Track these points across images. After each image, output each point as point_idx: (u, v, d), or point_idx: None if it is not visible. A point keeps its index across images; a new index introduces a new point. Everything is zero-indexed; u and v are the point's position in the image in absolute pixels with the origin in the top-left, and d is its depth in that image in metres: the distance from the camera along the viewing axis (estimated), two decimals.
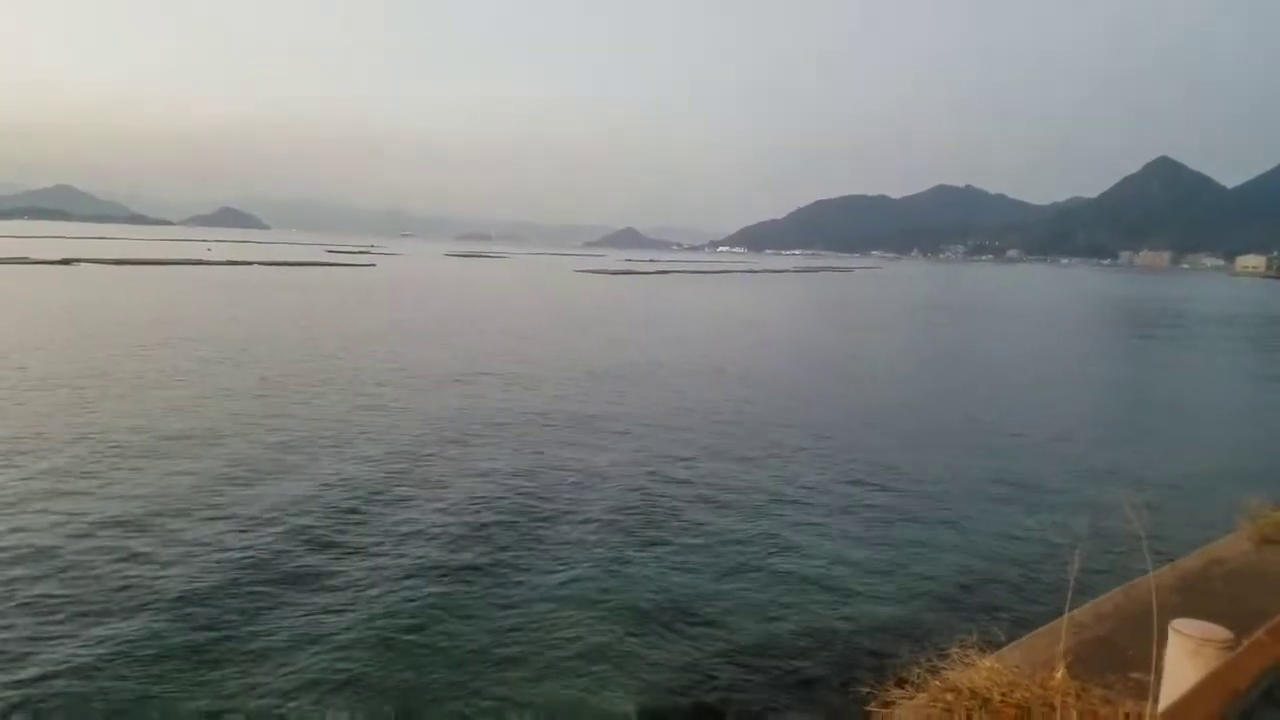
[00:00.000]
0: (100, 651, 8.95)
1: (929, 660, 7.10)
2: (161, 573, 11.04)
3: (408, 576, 11.30)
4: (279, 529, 12.83)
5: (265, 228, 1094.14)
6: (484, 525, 13.47)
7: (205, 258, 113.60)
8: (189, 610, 10.01)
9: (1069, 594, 6.98)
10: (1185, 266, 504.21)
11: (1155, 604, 5.59)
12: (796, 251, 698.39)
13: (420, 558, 11.98)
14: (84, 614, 9.80)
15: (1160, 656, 5.38)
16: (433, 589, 10.95)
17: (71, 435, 17.87)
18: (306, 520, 13.30)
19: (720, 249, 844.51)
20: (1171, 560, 9.82)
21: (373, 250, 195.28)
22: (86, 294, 55.53)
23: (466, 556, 12.12)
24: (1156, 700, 5.43)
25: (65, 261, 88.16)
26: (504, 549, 12.50)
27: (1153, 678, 5.39)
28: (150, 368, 26.64)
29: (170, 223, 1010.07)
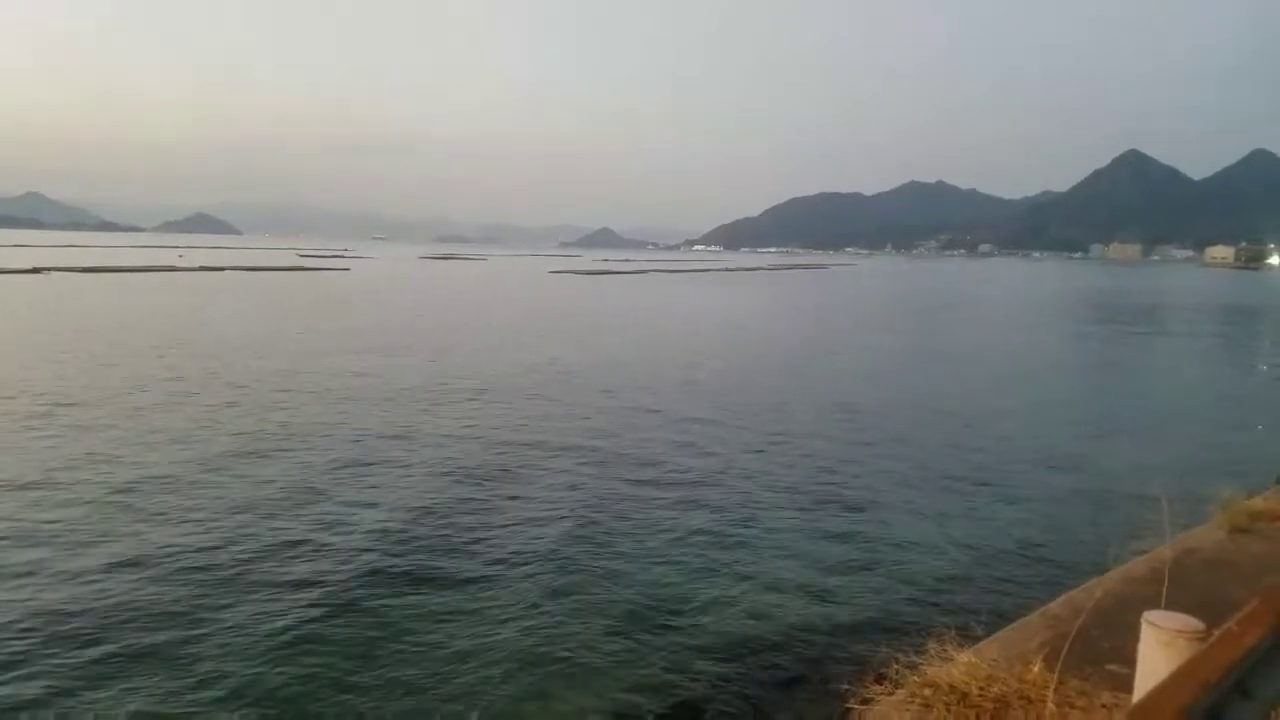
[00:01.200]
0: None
1: (907, 656, 7.10)
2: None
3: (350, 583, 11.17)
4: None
5: (238, 233, 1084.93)
6: (428, 518, 13.37)
7: (177, 264, 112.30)
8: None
9: (1070, 586, 7.00)
10: (1155, 258, 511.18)
11: (1132, 595, 5.61)
12: (772, 249, 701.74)
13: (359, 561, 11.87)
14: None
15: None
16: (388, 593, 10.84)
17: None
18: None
19: (696, 247, 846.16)
20: (1145, 551, 9.89)
21: (347, 254, 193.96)
22: (60, 302, 54.68)
23: (418, 556, 12.02)
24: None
25: (35, 270, 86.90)
26: (459, 549, 12.39)
27: (1137, 669, 5.41)
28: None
29: (142, 229, 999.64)
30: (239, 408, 22.16)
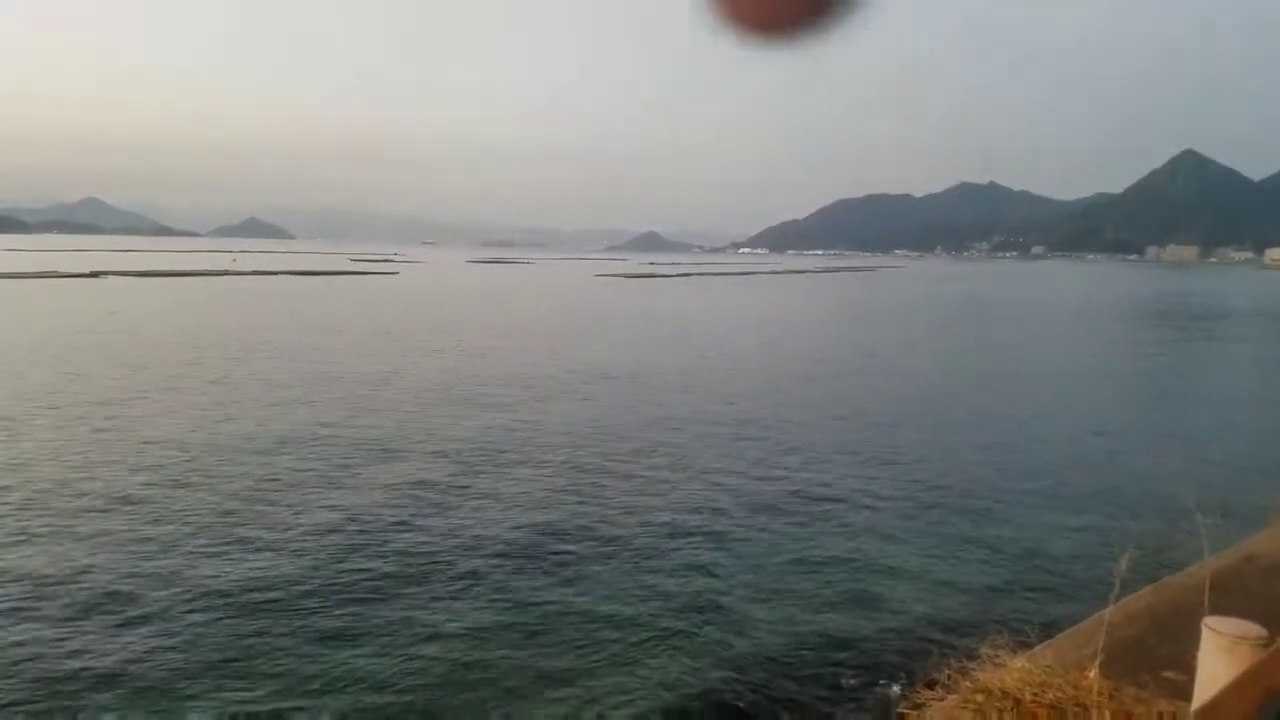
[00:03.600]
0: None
1: (959, 661, 7.09)
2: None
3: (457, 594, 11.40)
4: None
5: (290, 237, 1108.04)
6: (506, 525, 13.58)
7: (231, 268, 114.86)
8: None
9: (1110, 593, 6.94)
10: (1213, 261, 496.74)
11: (1189, 602, 5.56)
12: (819, 251, 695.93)
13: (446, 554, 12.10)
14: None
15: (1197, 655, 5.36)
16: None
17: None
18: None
19: (742, 250, 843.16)
20: (1203, 558, 9.72)
21: (395, 258, 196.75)
22: (114, 304, 56.41)
23: (475, 558, 12.23)
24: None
25: (93, 274, 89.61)
26: (518, 551, 12.59)
27: (1197, 675, 5.36)
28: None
29: (197, 234, 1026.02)
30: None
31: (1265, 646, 4.57)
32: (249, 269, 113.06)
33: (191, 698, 8.49)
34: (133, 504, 14.37)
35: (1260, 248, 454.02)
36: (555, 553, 12.68)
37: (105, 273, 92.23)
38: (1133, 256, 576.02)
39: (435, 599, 10.89)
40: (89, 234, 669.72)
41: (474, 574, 11.72)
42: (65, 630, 9.72)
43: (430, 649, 9.55)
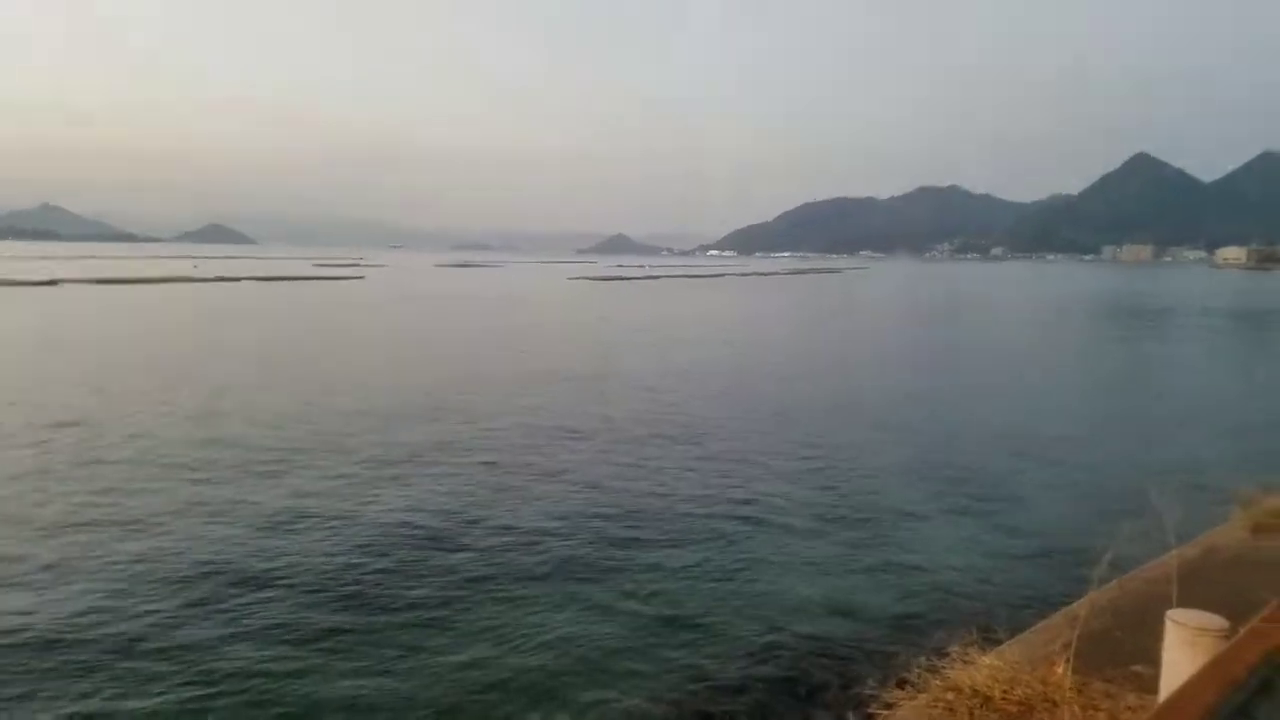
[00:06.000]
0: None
1: (930, 660, 7.12)
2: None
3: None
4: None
5: (252, 242, 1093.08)
6: (455, 522, 13.45)
7: (192, 274, 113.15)
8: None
9: (1082, 588, 7.00)
10: (1168, 260, 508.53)
11: (1156, 595, 5.62)
12: (786, 254, 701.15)
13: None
14: None
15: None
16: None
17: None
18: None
19: (710, 252, 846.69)
20: (1167, 550, 9.87)
21: (361, 263, 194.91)
22: (69, 314, 55.23)
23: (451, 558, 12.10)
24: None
25: (50, 282, 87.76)
26: (481, 553, 12.48)
27: (1162, 669, 5.41)
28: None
29: (159, 239, 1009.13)
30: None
31: (1227, 638, 4.61)
32: (210, 275, 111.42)
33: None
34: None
35: (1211, 247, 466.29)
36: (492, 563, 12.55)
37: (62, 280, 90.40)
38: (1089, 257, 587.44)
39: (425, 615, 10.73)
40: (47, 240, 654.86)
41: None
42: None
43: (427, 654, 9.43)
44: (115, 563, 12.03)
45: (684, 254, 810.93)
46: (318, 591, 11.14)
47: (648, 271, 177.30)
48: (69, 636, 9.75)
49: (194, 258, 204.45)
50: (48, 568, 11.81)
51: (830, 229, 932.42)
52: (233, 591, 11.07)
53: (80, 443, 19.09)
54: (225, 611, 10.49)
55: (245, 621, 10.21)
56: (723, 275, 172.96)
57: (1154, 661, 5.61)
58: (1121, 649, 6.97)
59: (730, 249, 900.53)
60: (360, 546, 12.81)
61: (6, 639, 9.67)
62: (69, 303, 65.63)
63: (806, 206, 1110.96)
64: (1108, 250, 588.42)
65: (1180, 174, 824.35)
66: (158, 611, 10.46)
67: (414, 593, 11.16)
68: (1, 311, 55.86)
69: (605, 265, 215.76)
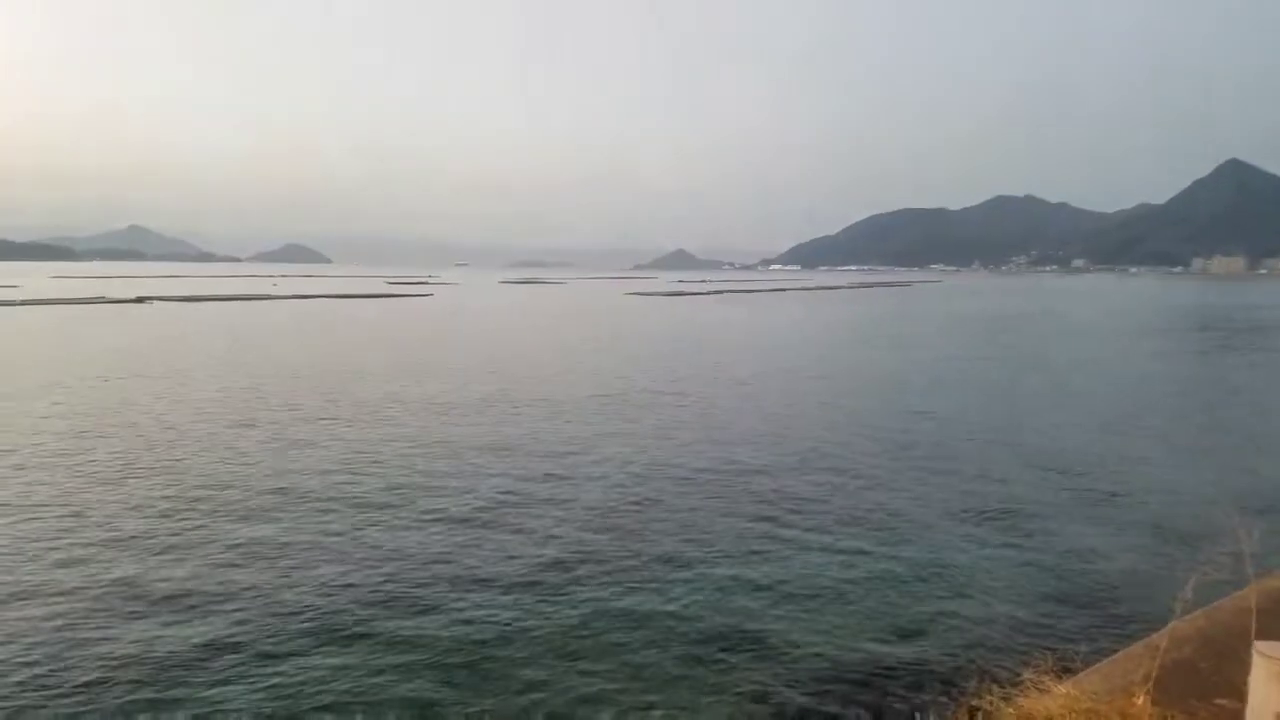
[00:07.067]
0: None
1: (1002, 688, 6.95)
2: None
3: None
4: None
5: (328, 261, 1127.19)
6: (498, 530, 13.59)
7: (271, 292, 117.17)
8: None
9: (1165, 617, 6.76)
10: (1263, 272, 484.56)
11: (1241, 626, 5.40)
12: (852, 267, 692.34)
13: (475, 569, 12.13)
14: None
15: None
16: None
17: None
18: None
19: (773, 267, 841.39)
20: (1256, 580, 9.45)
21: (430, 280, 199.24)
22: (164, 329, 57.68)
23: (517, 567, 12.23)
24: None
25: (140, 300, 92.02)
26: (550, 564, 12.57)
27: (1248, 703, 5.20)
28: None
29: (238, 259, 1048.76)
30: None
31: None
32: (289, 293, 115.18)
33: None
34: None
35: None
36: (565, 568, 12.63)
37: (151, 298, 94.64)
38: (1177, 269, 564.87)
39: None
40: (134, 260, 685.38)
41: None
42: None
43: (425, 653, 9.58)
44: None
45: (746, 268, 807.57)
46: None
47: (712, 287, 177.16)
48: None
49: (272, 276, 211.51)
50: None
51: (899, 241, 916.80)
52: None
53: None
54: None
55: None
56: (785, 290, 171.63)
57: (1239, 695, 5.40)
58: (1206, 681, 6.70)
59: (794, 263, 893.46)
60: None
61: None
62: (162, 318, 68.52)
63: (874, 219, 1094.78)
64: (1197, 262, 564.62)
65: (1275, 180, 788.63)
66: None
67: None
68: (110, 327, 58.69)
69: (666, 280, 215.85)
